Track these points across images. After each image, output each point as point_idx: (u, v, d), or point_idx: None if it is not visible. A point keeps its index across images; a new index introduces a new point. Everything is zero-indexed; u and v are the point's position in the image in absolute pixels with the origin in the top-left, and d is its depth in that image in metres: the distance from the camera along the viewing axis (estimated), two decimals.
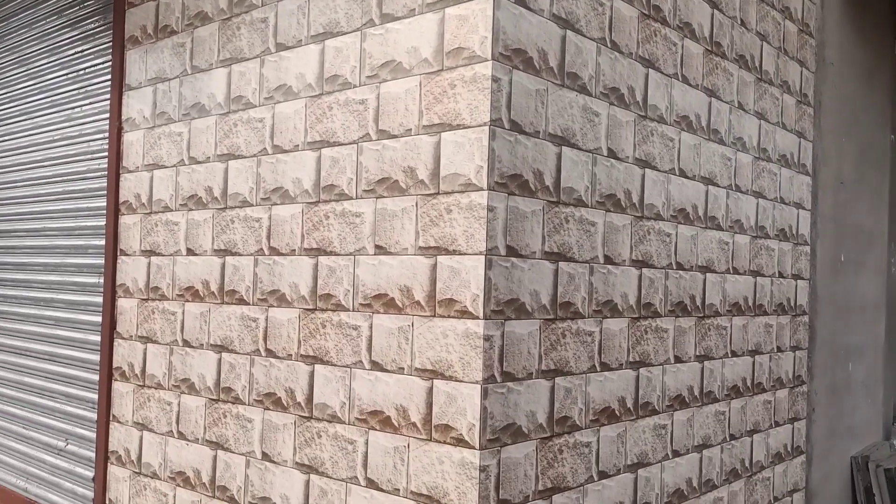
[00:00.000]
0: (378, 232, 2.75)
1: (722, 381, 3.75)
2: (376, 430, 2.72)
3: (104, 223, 4.07)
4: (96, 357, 4.10)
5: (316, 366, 2.93)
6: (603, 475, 2.97)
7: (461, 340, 2.49)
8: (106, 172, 4.08)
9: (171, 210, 3.60)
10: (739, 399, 3.90)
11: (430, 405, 2.57)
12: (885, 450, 5.51)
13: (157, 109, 3.71)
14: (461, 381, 2.49)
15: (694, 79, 3.48)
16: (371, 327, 2.75)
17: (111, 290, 3.93)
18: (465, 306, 2.49)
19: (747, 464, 3.97)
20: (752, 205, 3.97)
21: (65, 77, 4.48)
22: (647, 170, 3.18)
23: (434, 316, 2.56)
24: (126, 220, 3.87)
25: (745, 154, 3.89)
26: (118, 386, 3.89)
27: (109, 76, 4.10)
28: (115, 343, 3.91)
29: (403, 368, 2.65)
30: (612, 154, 2.98)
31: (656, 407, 3.27)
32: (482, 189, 2.46)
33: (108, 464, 3.91)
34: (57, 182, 4.48)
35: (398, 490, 2.64)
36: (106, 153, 4.10)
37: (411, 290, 2.63)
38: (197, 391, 3.43)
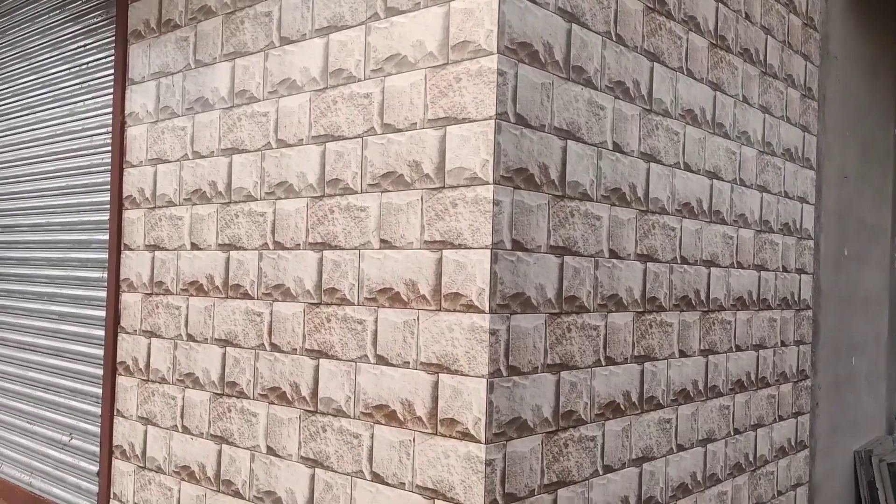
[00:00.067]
0: (383, 226, 2.74)
1: (726, 375, 3.74)
2: (382, 424, 2.72)
3: (108, 218, 4.07)
4: (100, 352, 4.11)
5: (321, 360, 2.93)
6: (608, 469, 2.97)
7: (467, 334, 2.49)
8: (109, 167, 4.08)
9: (175, 205, 3.60)
10: (743, 393, 3.89)
11: (435, 399, 2.57)
12: (888, 444, 5.51)
13: (161, 104, 3.70)
14: (467, 376, 2.49)
15: (699, 72, 3.47)
16: (376, 321, 2.75)
17: (115, 285, 3.93)
18: (470, 300, 2.48)
19: (751, 458, 3.97)
20: (757, 199, 3.96)
21: (67, 72, 4.47)
22: (651, 164, 3.17)
23: (439, 310, 2.56)
24: (130, 214, 3.87)
25: (749, 148, 3.88)
26: (122, 381, 3.89)
27: (112, 71, 4.10)
28: (119, 338, 3.92)
29: (409, 363, 2.65)
30: (617, 148, 2.98)
31: (661, 401, 3.27)
32: (488, 183, 2.46)
33: (113, 458, 3.91)
34: (60, 177, 4.48)
35: (404, 484, 2.64)
36: (109, 148, 4.10)
37: (417, 284, 2.63)
38: (201, 385, 3.43)
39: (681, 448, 3.41)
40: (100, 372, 4.10)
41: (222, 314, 3.34)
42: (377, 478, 2.73)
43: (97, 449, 4.10)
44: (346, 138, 2.87)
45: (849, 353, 5.11)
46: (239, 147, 3.29)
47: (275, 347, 3.10)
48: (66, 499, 4.32)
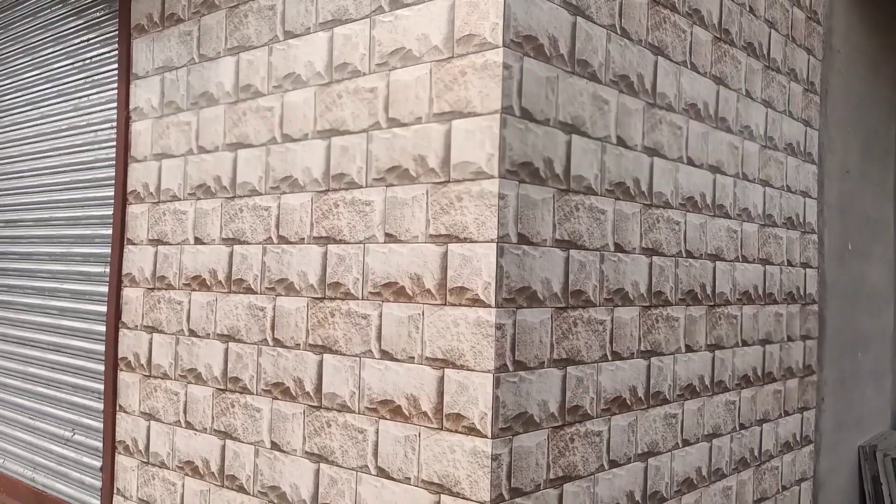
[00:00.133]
0: (388, 220, 2.73)
1: (732, 370, 3.74)
2: (387, 419, 2.71)
3: (111, 212, 4.06)
4: (102, 347, 4.10)
5: (325, 355, 2.92)
6: (614, 464, 2.96)
7: (473, 329, 2.48)
8: (114, 162, 4.07)
9: (180, 199, 3.59)
10: (750, 389, 3.89)
11: (441, 394, 2.56)
12: (892, 439, 5.51)
13: (165, 98, 3.69)
14: (473, 370, 2.48)
15: (702, 66, 3.46)
16: (381, 316, 2.74)
17: (117, 280, 3.93)
18: (476, 294, 2.48)
19: (756, 453, 3.97)
20: (760, 193, 3.95)
21: (71, 66, 4.46)
22: (655, 158, 3.16)
23: (445, 304, 2.56)
24: (134, 209, 3.86)
25: (752, 142, 3.87)
26: (124, 376, 3.88)
27: (116, 65, 4.09)
28: (121, 333, 3.91)
29: (414, 357, 2.64)
30: (621, 142, 2.97)
31: (667, 396, 3.26)
32: (493, 177, 2.45)
33: (116, 454, 3.91)
34: (64, 172, 4.47)
35: (409, 479, 2.64)
36: (114, 143, 4.09)
37: (422, 278, 2.62)
38: (204, 381, 3.42)
39: (686, 443, 3.40)
40: (101, 367, 4.10)
41: (225, 309, 3.33)
42: (382, 472, 2.72)
43: (100, 444, 4.09)
44: (351, 133, 2.86)
45: (854, 349, 5.10)
46: (244, 142, 3.28)
47: (278, 342, 3.10)
48: (69, 494, 4.32)
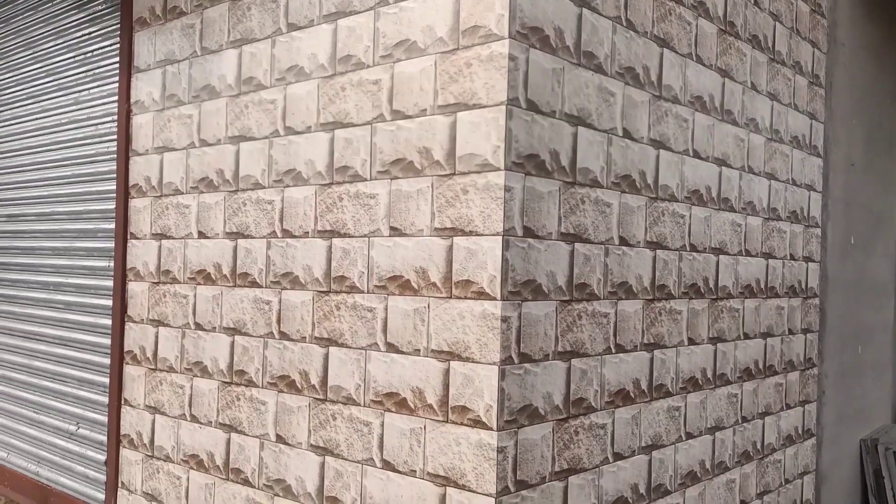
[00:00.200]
0: (393, 213, 2.73)
1: (734, 363, 3.74)
2: (392, 411, 2.71)
3: (113, 206, 4.06)
4: (107, 341, 4.10)
5: (330, 348, 2.92)
6: (618, 456, 2.96)
7: (478, 322, 2.48)
8: (115, 156, 4.07)
9: (182, 193, 3.59)
10: (751, 382, 3.89)
11: (446, 387, 2.56)
12: (894, 433, 5.51)
13: (167, 92, 3.69)
14: (478, 363, 2.48)
15: (708, 59, 3.45)
16: (386, 309, 2.74)
17: (121, 274, 3.92)
18: (482, 287, 2.47)
19: (759, 446, 3.97)
20: (765, 186, 3.95)
21: (72, 60, 4.45)
22: (661, 150, 3.16)
23: (450, 297, 2.55)
24: (136, 203, 3.86)
25: (757, 135, 3.86)
26: (129, 369, 3.88)
27: (118, 58, 4.08)
28: (127, 326, 3.91)
29: (419, 350, 2.64)
30: (627, 134, 2.96)
31: (670, 389, 3.26)
32: (499, 169, 2.44)
33: (121, 447, 3.91)
34: (65, 166, 4.47)
35: (414, 471, 2.64)
36: (115, 136, 4.08)
37: (427, 271, 2.62)
38: (209, 374, 3.42)
39: (689, 436, 3.41)
40: (107, 361, 4.10)
41: (230, 303, 3.33)
42: (388, 465, 2.72)
43: (104, 438, 4.10)
44: (355, 125, 2.86)
45: (855, 342, 5.10)
46: (246, 135, 3.27)
47: (284, 336, 3.10)
48: (73, 488, 4.32)
